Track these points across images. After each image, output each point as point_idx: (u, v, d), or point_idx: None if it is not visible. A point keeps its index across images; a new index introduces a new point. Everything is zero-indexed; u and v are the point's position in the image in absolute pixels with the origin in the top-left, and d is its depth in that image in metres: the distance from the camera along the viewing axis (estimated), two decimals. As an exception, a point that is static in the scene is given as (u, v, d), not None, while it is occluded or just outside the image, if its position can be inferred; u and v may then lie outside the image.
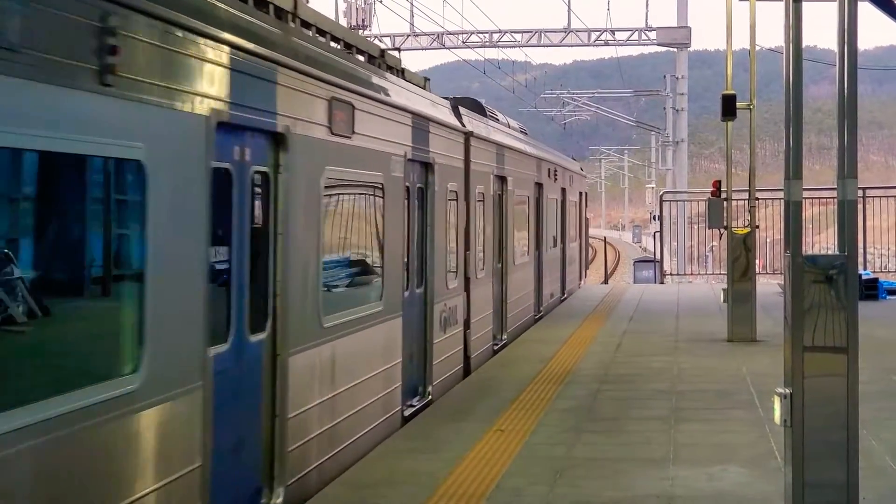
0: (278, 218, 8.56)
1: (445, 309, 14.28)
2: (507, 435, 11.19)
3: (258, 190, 8.31)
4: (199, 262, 7.11)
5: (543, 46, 50.72)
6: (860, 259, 27.82)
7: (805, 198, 7.76)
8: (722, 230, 20.29)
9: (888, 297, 25.82)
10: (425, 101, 13.76)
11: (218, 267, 7.61)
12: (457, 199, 15.06)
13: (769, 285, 28.13)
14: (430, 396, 13.35)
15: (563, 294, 26.89)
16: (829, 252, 7.77)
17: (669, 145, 58.43)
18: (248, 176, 8.07)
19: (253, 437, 8.24)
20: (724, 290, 19.34)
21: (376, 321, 11.06)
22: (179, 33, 6.81)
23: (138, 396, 6.33)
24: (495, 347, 17.83)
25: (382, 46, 12.59)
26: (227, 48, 7.50)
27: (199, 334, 7.12)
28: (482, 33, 50.12)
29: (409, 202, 12.61)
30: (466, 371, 15.52)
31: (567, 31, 49.71)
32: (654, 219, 54.95)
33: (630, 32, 50.05)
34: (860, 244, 25.07)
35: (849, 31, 7.35)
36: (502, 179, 18.75)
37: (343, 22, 45.73)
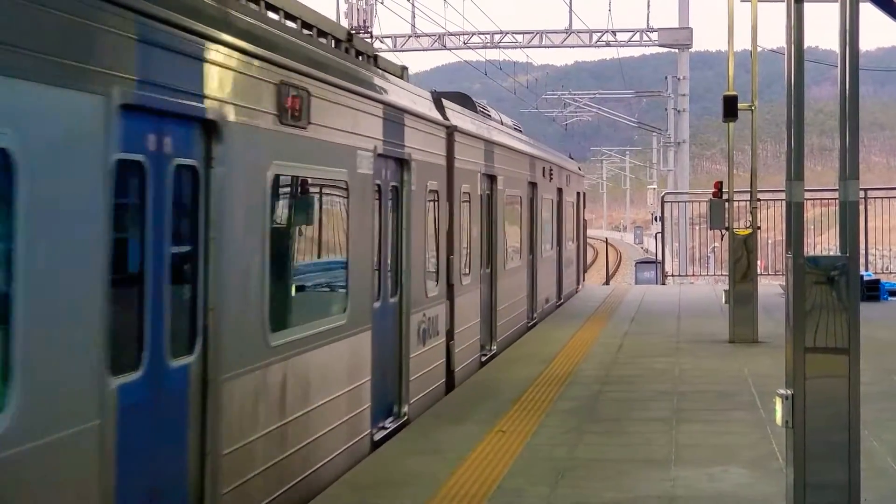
0: (210, 219, 7.35)
1: (424, 319, 13.07)
2: (509, 436, 11.18)
3: (184, 187, 7.16)
4: (96, 274, 5.91)
5: (545, 47, 50.72)
6: (862, 260, 27.83)
7: (807, 199, 7.76)
8: (723, 231, 20.31)
9: (890, 299, 25.82)
10: (400, 92, 12.53)
11: (125, 279, 6.46)
12: (438, 200, 13.90)
13: (771, 286, 28.12)
14: (405, 416, 12.17)
15: (560, 299, 26.03)
16: (831, 253, 7.76)
17: (671, 146, 58.41)
18: (169, 170, 6.83)
19: (175, 481, 7.00)
20: (725, 291, 19.34)
21: (339, 336, 9.90)
22: None
23: (5, 442, 5.17)
24: (483, 359, 16.79)
25: (351, 30, 11.67)
26: (133, 14, 6.29)
27: (95, 361, 5.90)
28: (483, 34, 50.13)
29: (380, 202, 11.53)
30: (450, 386, 14.38)
31: (568, 32, 49.72)
32: (656, 220, 54.97)
33: (631, 33, 50.04)
34: (862, 245, 25.07)
35: (850, 32, 7.35)
36: (491, 178, 17.70)
37: (344, 23, 45.80)
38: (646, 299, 26.98)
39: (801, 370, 7.29)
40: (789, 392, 7.31)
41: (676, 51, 51.83)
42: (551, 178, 24.47)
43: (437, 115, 14.10)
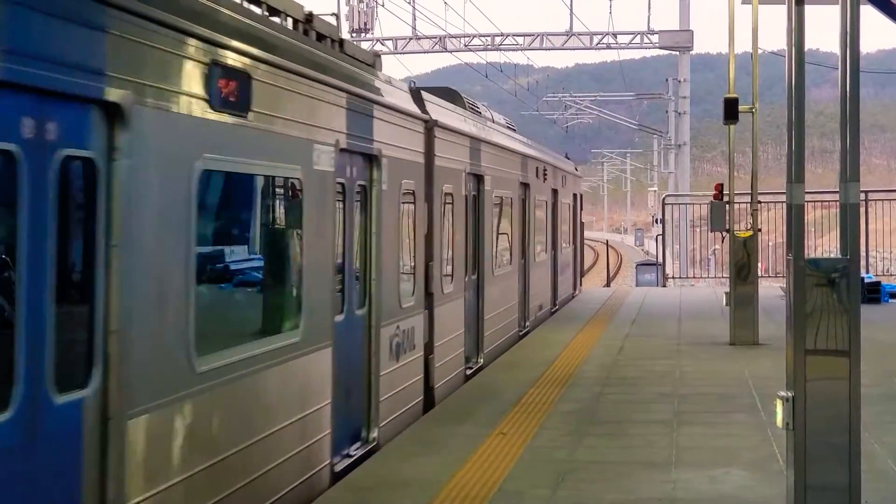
0: (113, 223, 6.12)
1: (398, 333, 11.88)
2: (509, 438, 11.18)
3: (75, 183, 5.99)
4: None
5: (545, 49, 50.74)
6: (862, 262, 27.80)
7: (807, 201, 7.76)
8: (724, 233, 20.31)
9: (890, 301, 25.83)
10: (370, 81, 11.27)
11: None
12: (415, 200, 12.71)
13: (771, 289, 28.12)
14: (375, 441, 10.97)
15: (555, 305, 24.97)
16: (832, 255, 7.76)
17: (672, 148, 58.44)
18: (52, 162, 5.65)
19: None
20: (726, 293, 19.34)
21: (290, 356, 8.67)
22: None
23: None
24: (468, 372, 15.62)
25: (310, 9, 10.14)
26: None
27: None
28: (484, 36, 50.15)
29: (345, 203, 10.35)
30: (429, 404, 13.19)
31: (569, 34, 49.73)
32: (657, 222, 54.97)
33: (632, 36, 50.05)
34: (862, 247, 25.06)
35: (851, 34, 7.35)
36: (478, 178, 16.52)
37: (345, 25, 45.81)
38: (646, 301, 26.97)
39: (801, 372, 7.29)
40: (790, 394, 7.31)
41: (677, 53, 51.84)
42: (545, 179, 23.52)
43: (414, 109, 12.87)
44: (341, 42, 10.96)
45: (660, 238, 39.50)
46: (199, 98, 7.13)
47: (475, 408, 12.80)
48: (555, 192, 25.13)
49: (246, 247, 8.54)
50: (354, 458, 10.42)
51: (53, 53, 5.61)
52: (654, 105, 76.55)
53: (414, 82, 14.55)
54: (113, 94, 6.07)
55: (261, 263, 8.64)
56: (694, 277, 41.77)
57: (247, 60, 7.84)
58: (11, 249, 5.46)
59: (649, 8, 49.46)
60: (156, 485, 6.55)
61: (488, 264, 16.98)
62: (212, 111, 7.29)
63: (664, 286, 35.47)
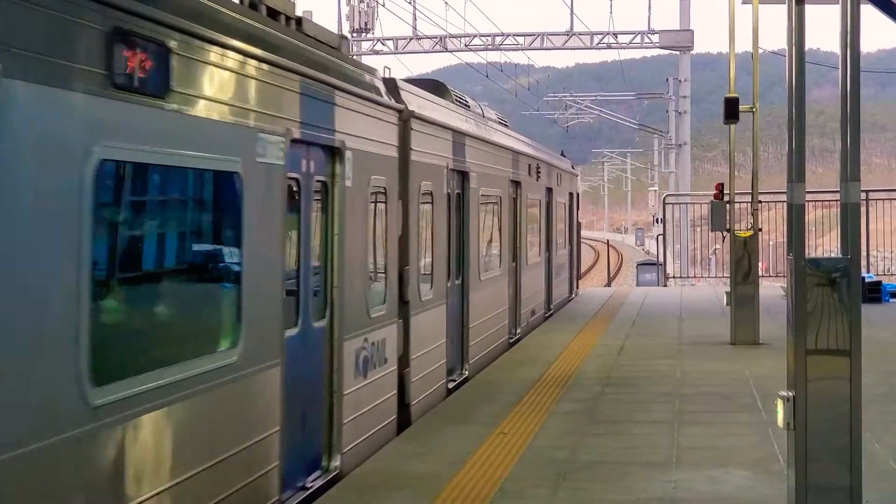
0: None
1: (366, 346, 10.70)
2: (510, 438, 11.18)
3: None
4: None
5: (546, 49, 50.72)
6: (863, 262, 27.82)
7: (808, 201, 7.77)
8: (725, 233, 20.30)
9: (891, 300, 25.83)
10: (333, 64, 10.07)
11: None
12: (386, 199, 11.52)
13: (772, 288, 28.11)
14: (336, 470, 9.75)
15: (549, 310, 23.85)
16: (832, 255, 7.76)
17: (672, 148, 58.44)
18: None
19: None
20: (726, 293, 19.33)
21: (224, 380, 7.43)
22: None
23: None
24: (451, 385, 14.44)
25: None
26: None
27: None
28: (485, 36, 50.16)
29: (300, 201, 9.16)
30: (404, 422, 12.07)
31: (569, 34, 49.72)
32: (657, 222, 54.98)
33: (633, 35, 50.05)
34: (863, 247, 25.06)
35: (851, 33, 7.35)
36: (462, 175, 15.39)
37: (346, 25, 45.85)
38: (647, 301, 26.97)
39: (802, 372, 7.28)
40: (791, 394, 7.31)
41: (678, 53, 51.84)
42: (539, 177, 22.38)
43: (386, 98, 11.71)
44: (299, 20, 9.75)
45: (660, 238, 39.51)
46: (94, 72, 5.90)
47: (476, 408, 12.79)
48: (549, 190, 24.14)
49: (164, 252, 7.12)
50: (312, 489, 9.21)
51: None
52: (655, 105, 76.53)
53: (388, 68, 13.61)
54: None
55: (184, 270, 7.34)
56: (695, 277, 41.80)
57: (164, 31, 6.55)
58: None
59: (650, 8, 49.47)
60: None
61: (474, 268, 15.93)
62: (115, 90, 6.09)
63: (665, 286, 35.48)
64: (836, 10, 7.44)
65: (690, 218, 47.91)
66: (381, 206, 11.41)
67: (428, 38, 49.78)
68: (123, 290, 6.53)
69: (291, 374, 8.71)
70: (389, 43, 48.53)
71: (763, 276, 27.23)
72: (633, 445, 10.89)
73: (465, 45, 50.08)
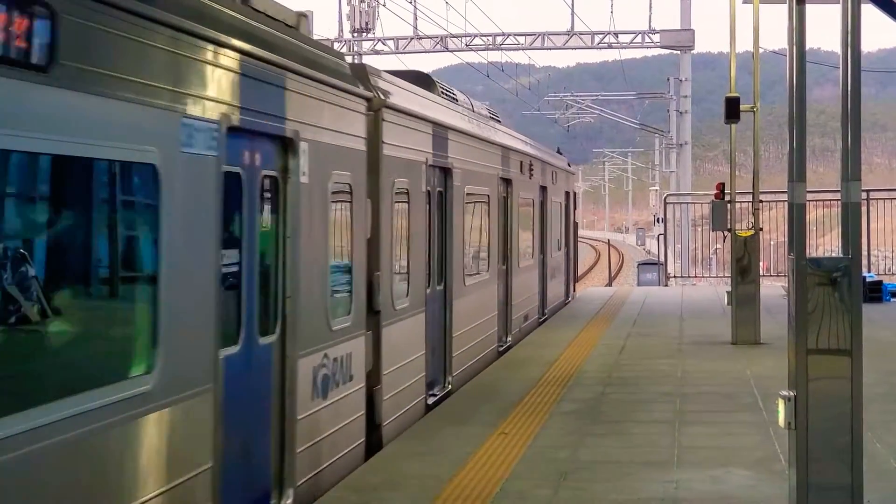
0: None
1: (326, 363, 9.57)
2: (511, 438, 11.18)
3: None
4: None
5: (547, 49, 50.71)
6: (864, 261, 27.81)
7: (809, 200, 7.76)
8: (726, 233, 20.30)
9: (892, 300, 25.84)
10: (285, 43, 8.85)
11: None
12: (352, 197, 10.33)
13: (773, 288, 28.10)
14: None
15: (544, 314, 22.87)
16: (833, 254, 7.76)
17: (673, 148, 58.42)
18: None
19: None
20: (727, 292, 19.33)
21: (135, 412, 6.26)
22: None
23: None
24: (430, 401, 13.24)
25: None
26: None
27: None
28: (485, 36, 50.14)
29: (242, 198, 7.96)
30: (374, 446, 10.90)
31: (570, 33, 49.71)
32: (658, 221, 54.96)
33: (633, 35, 50.04)
34: (864, 247, 25.05)
35: (852, 33, 7.35)
36: (445, 171, 14.20)
37: (347, 25, 45.86)
38: (648, 301, 26.97)
39: (803, 372, 7.28)
40: (792, 393, 7.30)
41: (678, 52, 51.83)
42: (531, 175, 21.23)
43: (353, 85, 10.49)
44: None
45: (661, 237, 39.50)
46: None
47: (477, 408, 12.79)
48: (543, 189, 23.07)
49: (55, 259, 5.87)
50: None
51: None
52: (656, 104, 76.56)
53: (359, 54, 12.64)
54: None
55: (80, 282, 6.15)
56: (695, 277, 41.78)
57: None
58: None
59: (650, 7, 49.49)
60: None
61: (458, 272, 14.75)
62: None
63: (666, 285, 35.48)
64: (836, 9, 7.44)
65: (691, 217, 47.93)
66: (347, 204, 10.24)
67: (429, 37, 49.76)
68: (8, 318, 5.35)
69: (230, 400, 7.54)
70: (390, 43, 48.51)
71: (764, 275, 27.24)
72: (635, 445, 10.89)
73: (466, 45, 50.06)
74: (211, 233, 7.27)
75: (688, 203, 46.78)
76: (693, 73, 54.21)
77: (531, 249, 21.55)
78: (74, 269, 6.10)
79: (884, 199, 32.84)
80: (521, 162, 20.13)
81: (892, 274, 33.35)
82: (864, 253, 28.35)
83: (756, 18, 18.88)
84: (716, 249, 44.27)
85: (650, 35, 49.59)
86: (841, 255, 7.39)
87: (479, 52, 50.83)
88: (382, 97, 11.32)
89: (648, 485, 9.37)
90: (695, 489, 9.25)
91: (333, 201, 9.76)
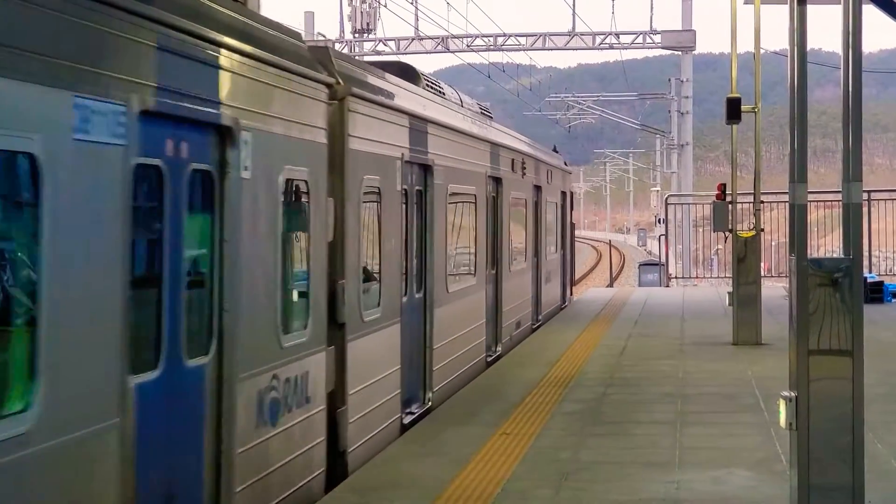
0: None
1: (275, 384, 8.40)
2: (513, 438, 11.18)
3: None
4: None
5: (548, 50, 50.75)
6: (865, 262, 27.81)
7: (810, 201, 7.76)
8: (727, 233, 20.30)
9: (893, 301, 25.84)
10: (216, 13, 7.60)
11: None
12: (309, 195, 9.20)
13: (774, 289, 28.09)
14: None
15: (538, 320, 21.70)
16: (835, 255, 7.76)
17: (674, 148, 58.41)
18: None
19: None
20: (729, 293, 19.33)
21: (12, 458, 5.19)
22: None
23: None
24: (407, 420, 12.09)
25: None
26: None
27: None
28: (486, 37, 50.17)
29: (162, 196, 6.75)
30: (336, 475, 9.81)
31: (572, 34, 49.75)
32: (659, 222, 54.96)
33: (635, 36, 50.07)
34: (865, 247, 25.05)
35: (853, 33, 7.35)
36: (424, 168, 13.04)
37: (348, 26, 45.89)
38: (649, 301, 26.97)
39: (804, 372, 7.28)
40: (793, 394, 7.31)
41: (679, 53, 51.86)
42: (524, 173, 20.13)
43: (311, 69, 9.30)
44: None
45: (662, 238, 39.51)
46: None
47: (478, 408, 12.79)
48: (537, 188, 21.93)
49: None
50: None
51: None
52: (657, 105, 76.61)
53: (324, 35, 10.86)
54: None
55: None
56: (697, 277, 41.77)
57: None
58: None
59: (652, 8, 49.50)
60: None
61: (440, 278, 13.58)
62: None
63: (667, 286, 35.47)
64: (837, 10, 7.44)
65: (692, 218, 47.91)
66: (302, 204, 9.15)
67: (430, 38, 49.80)
68: None
69: (146, 436, 6.43)
70: (391, 43, 48.55)
71: (765, 276, 27.24)
72: (636, 446, 10.89)
73: (468, 46, 50.09)
74: (116, 237, 6.11)
75: (689, 204, 46.76)
76: (694, 74, 54.24)
77: (524, 252, 20.53)
78: None
79: (885, 199, 32.83)
80: (513, 160, 19.12)
81: (894, 275, 33.32)
82: (866, 254, 28.35)
83: (757, 19, 18.87)
84: (717, 250, 44.29)
85: (651, 36, 49.62)
86: (842, 256, 7.40)
87: (480, 52, 50.87)
88: (348, 84, 10.12)
89: (649, 485, 9.37)
90: (696, 490, 9.25)
91: (286, 200, 8.62)
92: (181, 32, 6.87)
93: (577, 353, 17.42)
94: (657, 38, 49.69)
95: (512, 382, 14.57)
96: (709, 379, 14.95)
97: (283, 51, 8.66)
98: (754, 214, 19.51)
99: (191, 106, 7.01)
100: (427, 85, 14.50)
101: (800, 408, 7.28)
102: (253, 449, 7.94)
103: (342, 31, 47.00)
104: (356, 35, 46.19)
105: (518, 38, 50.51)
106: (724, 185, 20.33)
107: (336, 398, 9.90)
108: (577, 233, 32.64)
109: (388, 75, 12.21)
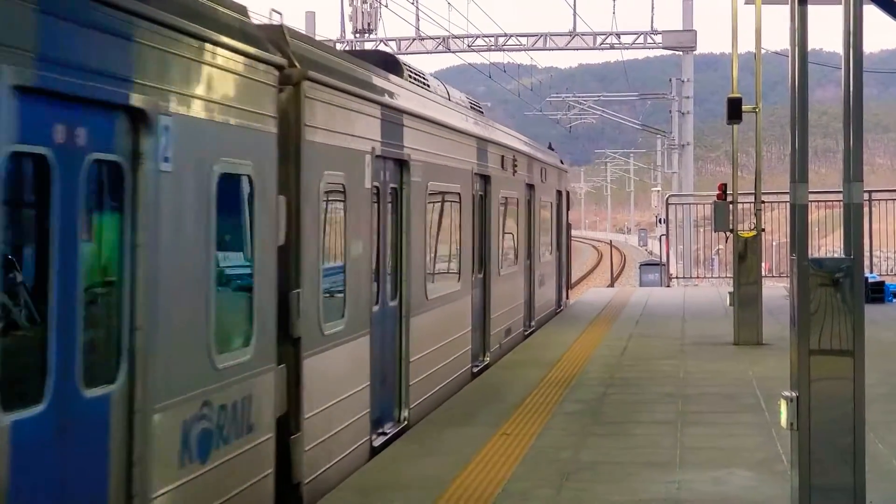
0: None
1: (207, 413, 7.25)
2: (513, 438, 11.18)
3: None
4: None
5: (549, 50, 50.73)
6: (866, 262, 27.80)
7: (811, 201, 7.76)
8: (728, 233, 20.30)
9: (894, 300, 25.83)
10: None
11: None
12: (254, 193, 8.03)
13: (775, 289, 28.09)
14: None
15: (531, 325, 20.72)
16: (836, 255, 7.77)
17: (675, 148, 58.41)
18: None
19: None
20: (730, 293, 19.33)
21: None
22: None
23: None
24: (378, 443, 11.02)
25: None
26: None
27: None
28: (487, 37, 50.15)
29: (52, 191, 5.63)
30: None
31: (572, 34, 49.72)
32: (660, 222, 54.97)
33: (635, 36, 50.05)
34: (866, 247, 25.05)
35: (854, 33, 7.35)
36: (400, 164, 11.97)
37: (349, 26, 45.89)
38: (650, 301, 26.96)
39: (805, 372, 7.28)
40: (794, 394, 7.30)
41: (680, 53, 51.84)
42: (515, 171, 19.06)
43: (257, 48, 8.11)
44: None
45: (663, 238, 39.50)
46: None
47: (479, 409, 12.79)
48: (530, 187, 20.90)
49: None
50: None
51: None
52: (658, 105, 76.59)
53: (279, 13, 9.88)
54: None
55: None
56: (697, 277, 41.78)
57: None
58: None
59: (652, 8, 49.53)
60: None
61: (417, 284, 12.47)
62: None
63: (668, 286, 35.47)
64: (838, 10, 7.44)
65: (693, 218, 47.86)
66: (244, 202, 8.02)
67: (431, 38, 49.78)
68: None
69: (27, 486, 5.35)
70: (392, 44, 48.53)
71: (766, 276, 27.22)
72: (637, 446, 10.89)
73: (468, 46, 50.06)
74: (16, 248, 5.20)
75: (690, 204, 46.72)
76: (695, 74, 54.20)
77: (515, 254, 19.45)
78: None
79: (886, 199, 32.83)
80: (503, 157, 17.97)
81: (895, 275, 33.34)
82: (867, 254, 28.35)
83: (758, 19, 18.88)
84: (718, 250, 44.27)
85: (652, 36, 49.60)
86: (843, 256, 7.39)
87: (481, 52, 50.84)
88: (304, 67, 8.94)
89: (650, 485, 9.37)
90: (697, 490, 9.25)
91: (222, 198, 7.42)
92: (105, 6, 5.89)
93: (577, 354, 17.42)
94: (658, 39, 49.66)
95: (512, 383, 14.57)
96: (710, 379, 14.95)
97: (219, 24, 7.49)
98: (755, 214, 19.51)
99: (92, 84, 5.81)
100: (411, 76, 13.64)
101: (801, 408, 7.27)
102: (175, 490, 6.76)
103: (343, 31, 47.05)
104: (357, 35, 46.20)
105: (519, 38, 50.48)
106: (725, 185, 20.33)
107: (289, 423, 8.75)
108: (577, 233, 32.50)
109: (358, 61, 11.23)
